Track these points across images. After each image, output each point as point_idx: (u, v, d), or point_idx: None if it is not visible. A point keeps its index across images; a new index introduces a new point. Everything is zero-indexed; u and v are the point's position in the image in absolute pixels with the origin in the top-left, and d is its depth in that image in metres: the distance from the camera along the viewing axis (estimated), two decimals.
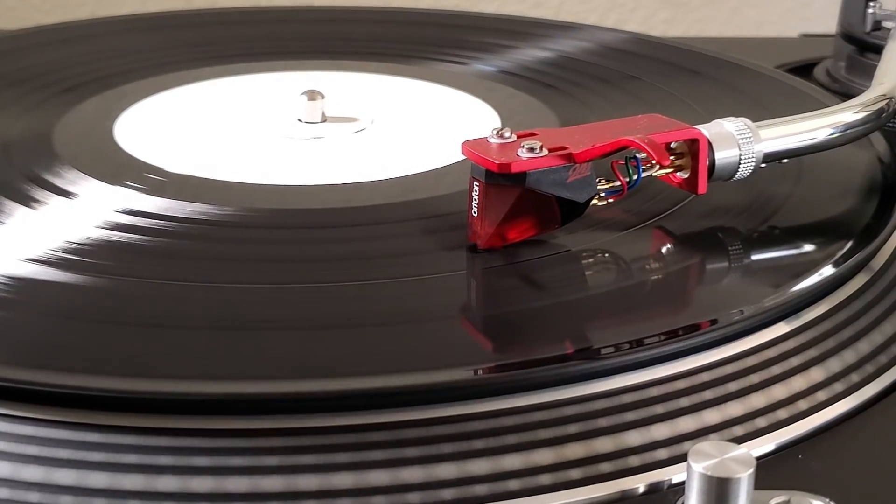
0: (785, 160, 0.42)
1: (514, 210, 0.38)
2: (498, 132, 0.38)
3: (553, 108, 0.53)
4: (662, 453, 0.32)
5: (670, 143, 0.40)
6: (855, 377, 0.36)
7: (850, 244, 0.40)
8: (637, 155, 0.39)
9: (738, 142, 0.40)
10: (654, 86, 0.57)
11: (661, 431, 0.32)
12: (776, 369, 0.35)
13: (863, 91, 0.46)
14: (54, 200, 0.43)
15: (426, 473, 0.30)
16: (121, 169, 0.46)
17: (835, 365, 0.36)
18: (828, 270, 0.38)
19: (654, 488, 0.31)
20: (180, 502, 0.29)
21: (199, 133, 0.51)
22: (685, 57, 0.62)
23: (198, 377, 0.32)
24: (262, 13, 0.74)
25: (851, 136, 0.43)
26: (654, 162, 0.39)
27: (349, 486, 0.30)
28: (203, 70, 0.59)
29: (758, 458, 0.29)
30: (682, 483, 0.29)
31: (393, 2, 0.87)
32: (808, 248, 0.40)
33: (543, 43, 0.64)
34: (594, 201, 0.39)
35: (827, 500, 0.29)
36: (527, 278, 0.38)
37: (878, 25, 0.64)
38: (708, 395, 0.33)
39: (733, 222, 0.42)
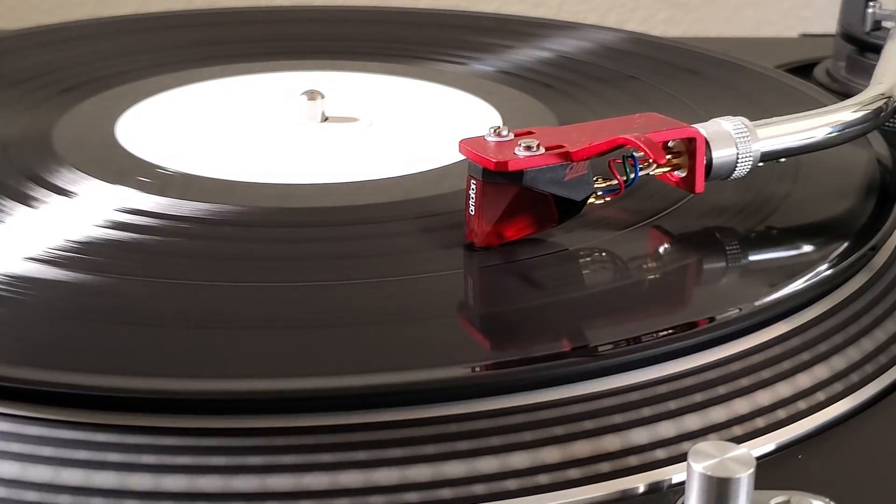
0: (783, 159, 0.42)
1: (511, 208, 0.38)
2: (495, 131, 0.38)
3: (553, 108, 0.53)
4: (662, 453, 0.32)
5: (667, 141, 0.40)
6: (855, 377, 0.36)
7: (848, 244, 0.40)
8: (634, 153, 0.39)
9: (736, 141, 0.40)
10: (653, 86, 0.57)
11: (660, 431, 0.32)
12: (775, 369, 0.35)
13: (862, 91, 0.46)
14: (54, 199, 0.43)
15: (424, 472, 0.30)
16: (121, 168, 0.46)
17: (834, 365, 0.36)
18: (826, 270, 0.38)
19: (654, 488, 0.31)
20: (177, 501, 0.29)
21: (200, 133, 0.51)
22: (685, 57, 0.62)
23: (198, 376, 0.32)
24: (262, 13, 0.74)
25: (849, 136, 0.43)
26: (651, 161, 0.39)
27: (358, 484, 0.30)
28: (203, 70, 0.59)
29: (758, 458, 0.29)
30: (682, 483, 0.29)
31: (393, 2, 0.87)
32: (807, 247, 0.40)
33: (543, 43, 0.64)
34: (591, 200, 0.39)
35: (827, 500, 0.29)
36: (524, 277, 0.38)
37: (877, 25, 0.64)
38: (707, 394, 0.33)
39: (731, 222, 0.42)
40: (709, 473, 0.27)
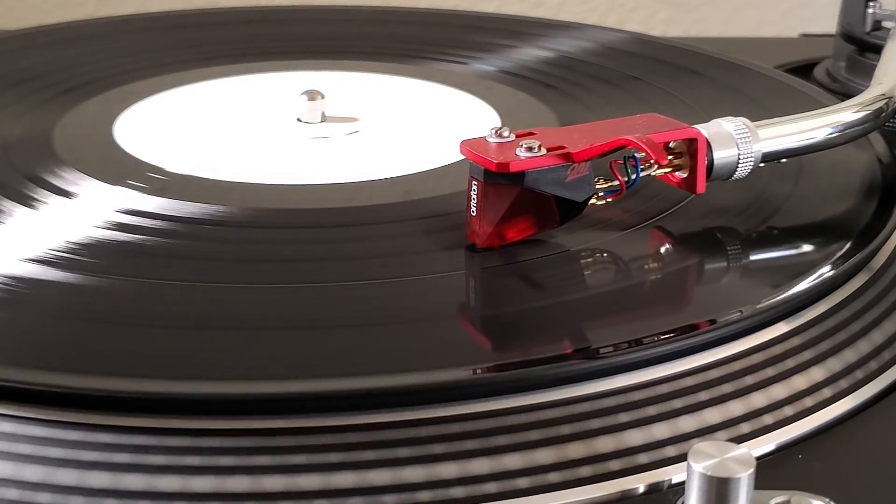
0: (784, 160, 0.42)
1: (512, 209, 0.38)
2: (496, 131, 0.38)
3: (553, 108, 0.53)
4: (662, 453, 0.32)
5: (669, 142, 0.40)
6: (855, 377, 0.36)
7: (849, 244, 0.40)
8: (636, 154, 0.39)
9: (737, 141, 0.40)
10: (654, 86, 0.57)
11: (660, 431, 0.32)
12: (776, 369, 0.35)
13: (863, 91, 0.46)
14: (54, 200, 0.43)
15: (423, 473, 0.30)
16: (121, 169, 0.46)
17: (835, 365, 0.36)
18: (827, 270, 0.38)
19: (654, 488, 0.31)
20: (179, 502, 0.29)
21: (200, 133, 0.51)
22: (685, 57, 0.62)
23: (198, 377, 0.32)
24: (262, 13, 0.74)
25: (850, 136, 0.43)
26: (652, 161, 0.39)
27: (350, 485, 0.30)
28: (203, 70, 0.59)
29: (758, 458, 0.29)
30: (683, 483, 0.29)
31: (393, 2, 0.87)
32: (808, 248, 0.40)
33: (543, 43, 0.64)
34: (593, 201, 0.39)
35: (827, 500, 0.29)
36: (525, 278, 0.38)
37: (877, 25, 0.64)
38: (707, 395, 0.33)
39: (732, 222, 0.42)
40: (709, 473, 0.27)
